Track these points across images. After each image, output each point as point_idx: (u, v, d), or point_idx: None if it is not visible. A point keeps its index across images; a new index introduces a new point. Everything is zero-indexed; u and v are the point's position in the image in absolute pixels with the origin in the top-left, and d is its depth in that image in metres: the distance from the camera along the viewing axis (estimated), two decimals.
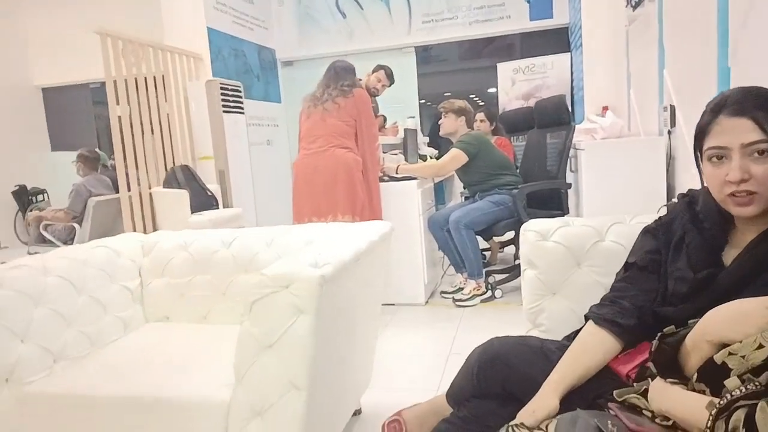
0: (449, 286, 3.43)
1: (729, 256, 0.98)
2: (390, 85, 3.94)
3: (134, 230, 3.69)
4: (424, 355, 2.48)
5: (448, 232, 3.23)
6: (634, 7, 3.58)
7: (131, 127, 3.79)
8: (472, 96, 10.92)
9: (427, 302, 3.27)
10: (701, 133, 0.97)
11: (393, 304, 3.21)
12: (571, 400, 1.00)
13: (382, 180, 3.17)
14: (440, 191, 4.45)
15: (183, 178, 3.82)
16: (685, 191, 1.13)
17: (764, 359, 0.70)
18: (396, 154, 3.86)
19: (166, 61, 4.25)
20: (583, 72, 4.61)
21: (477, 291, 3.19)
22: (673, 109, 2.86)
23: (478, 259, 3.23)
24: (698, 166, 1.00)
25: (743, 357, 0.73)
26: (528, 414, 0.97)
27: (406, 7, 6.03)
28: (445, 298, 3.31)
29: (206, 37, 4.79)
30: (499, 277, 3.38)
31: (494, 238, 3.85)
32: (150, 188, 3.90)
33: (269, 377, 1.20)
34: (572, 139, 3.21)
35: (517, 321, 1.51)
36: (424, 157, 4.43)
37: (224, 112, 4.39)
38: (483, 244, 4.07)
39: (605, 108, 3.97)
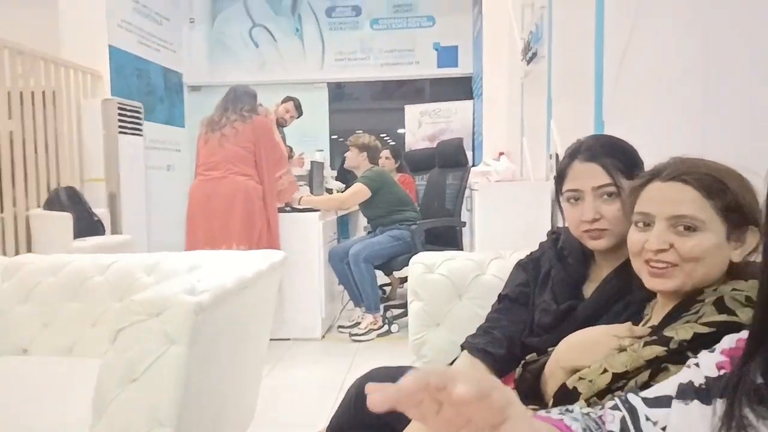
0: (347, 320, 3.42)
1: (588, 289, 1.04)
2: (298, 117, 3.93)
3: (4, 254, 3.34)
4: (315, 390, 2.42)
5: (348, 265, 3.22)
6: (528, 62, 3.88)
7: (11, 143, 3.48)
8: (382, 135, 11.18)
9: (323, 336, 3.24)
10: (560, 177, 1.04)
11: (288, 339, 3.13)
12: None
13: (283, 210, 3.12)
14: (344, 225, 4.45)
15: (67, 200, 3.53)
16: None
17: (608, 383, 0.75)
18: (301, 186, 3.83)
19: (59, 76, 3.98)
20: (483, 119, 4.88)
21: (374, 325, 3.19)
22: (557, 157, 3.09)
23: (375, 293, 3.24)
24: (560, 205, 1.07)
25: (590, 381, 0.76)
26: None
27: (319, 44, 6.12)
28: (342, 332, 3.29)
29: (107, 54, 4.56)
30: (396, 311, 3.41)
31: (394, 273, 3.89)
32: (27, 210, 3.57)
33: (132, 413, 1.10)
34: (468, 180, 3.35)
35: (410, 354, 1.52)
36: (330, 191, 4.44)
37: (120, 133, 4.15)
38: (384, 279, 4.10)
39: (501, 153, 4.19)
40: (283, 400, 2.30)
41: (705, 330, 0.68)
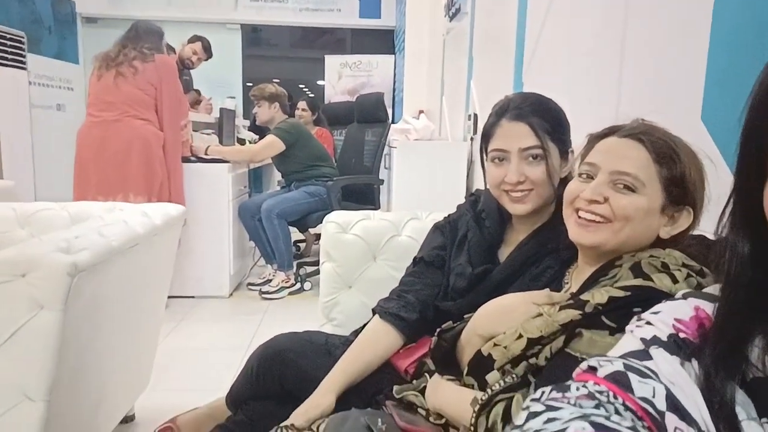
0: (258, 277, 3.31)
1: (503, 253, 1.04)
2: (207, 59, 3.65)
3: None
4: (220, 352, 2.31)
5: (260, 220, 3.10)
6: (451, 18, 3.80)
7: None
8: (301, 85, 10.81)
9: (231, 295, 3.11)
10: (486, 135, 1.00)
11: (193, 297, 2.98)
12: (349, 398, 0.96)
13: (188, 160, 2.90)
14: (257, 178, 4.28)
15: None
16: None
17: (523, 348, 0.72)
18: (209, 134, 3.58)
19: None
20: (405, 74, 4.80)
21: (285, 283, 3.11)
22: (476, 117, 3.08)
23: (288, 251, 3.15)
24: (483, 165, 1.04)
25: (505, 347, 0.74)
26: (300, 414, 0.91)
27: None
28: (252, 290, 3.18)
29: None
30: (309, 269, 3.33)
31: (309, 229, 3.80)
32: None
33: None
34: (387, 137, 3.29)
35: (320, 316, 1.46)
36: (242, 142, 4.22)
37: None
38: (298, 235, 4.00)
39: (421, 111, 4.16)
40: (183, 362, 2.17)
41: (620, 294, 0.67)
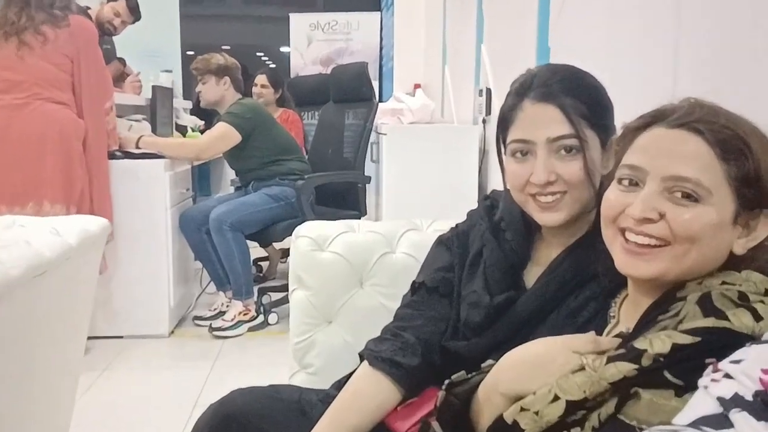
0: (208, 308, 3.30)
1: (531, 275, 1.02)
2: (133, 22, 3.63)
3: None
4: (159, 409, 2.29)
5: (208, 234, 3.08)
6: None
7: None
8: (259, 54, 10.81)
9: (172, 333, 3.08)
10: (504, 122, 0.99)
11: (121, 337, 2.95)
12: None
13: (113, 156, 2.88)
14: (203, 177, 4.25)
15: None
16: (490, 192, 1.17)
17: (561, 415, 0.70)
18: (139, 121, 3.55)
19: None
20: (395, 39, 4.81)
21: (244, 316, 3.09)
22: (489, 93, 3.09)
23: (246, 272, 3.13)
24: (501, 160, 1.03)
25: (537, 413, 0.72)
26: None
27: None
28: (200, 325, 3.17)
29: None
30: (276, 296, 3.32)
31: (274, 244, 3.79)
32: None
33: None
34: (374, 121, 3.29)
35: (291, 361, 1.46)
36: (183, 130, 4.20)
37: None
38: (260, 251, 3.99)
39: (417, 86, 4.17)
40: (110, 423, 2.15)
41: (687, 340, 0.65)
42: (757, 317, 0.64)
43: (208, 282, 3.43)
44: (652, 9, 1.58)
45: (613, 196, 0.78)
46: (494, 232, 1.05)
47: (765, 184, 0.72)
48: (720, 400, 0.49)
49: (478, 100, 3.22)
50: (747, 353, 0.52)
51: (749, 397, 0.48)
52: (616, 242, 0.77)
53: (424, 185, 3.06)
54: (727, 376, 0.51)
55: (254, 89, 4.14)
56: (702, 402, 0.51)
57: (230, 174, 4.01)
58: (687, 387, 0.63)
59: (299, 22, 5.88)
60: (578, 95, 0.94)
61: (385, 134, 3.26)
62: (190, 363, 2.73)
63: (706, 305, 0.68)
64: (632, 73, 1.64)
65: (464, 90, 3.72)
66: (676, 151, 0.73)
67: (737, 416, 0.47)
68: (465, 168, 3.09)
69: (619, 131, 0.83)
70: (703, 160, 0.72)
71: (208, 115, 4.55)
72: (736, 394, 0.48)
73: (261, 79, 4.22)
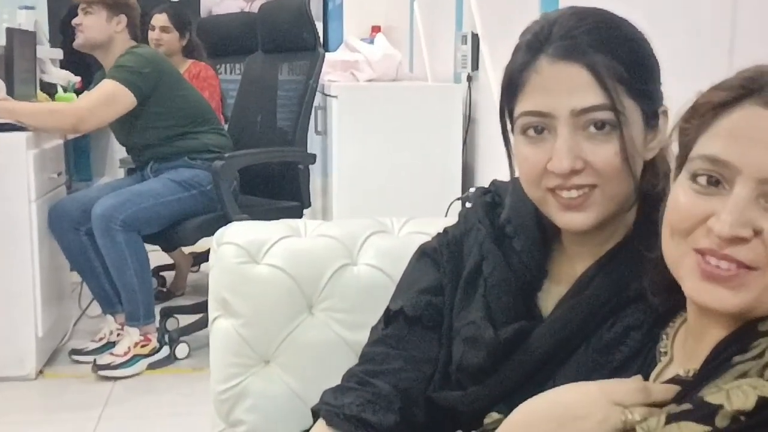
0: (90, 339, 3.26)
1: (549, 299, 1.03)
2: None
3: None
4: None
5: (90, 235, 3.01)
6: None
7: None
8: None
9: (40, 374, 3.03)
10: (512, 86, 0.98)
11: None
12: None
13: None
14: (82, 157, 4.18)
15: None
16: (488, 180, 1.19)
17: None
18: None
19: None
20: None
21: (142, 348, 3.06)
22: (476, 39, 3.08)
23: (145, 288, 3.10)
24: (506, 140, 1.03)
25: None
26: None
27: None
28: (80, 362, 3.12)
29: None
30: (186, 319, 3.28)
31: (182, 248, 3.75)
32: None
33: None
34: (319, 78, 3.26)
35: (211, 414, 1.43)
36: (52, 89, 4.11)
37: None
38: (162, 257, 3.96)
39: (376, 29, 4.16)
40: None
41: None
42: None
43: (90, 301, 3.41)
44: None
45: (685, 199, 0.77)
46: (498, 240, 1.06)
47: None
48: None
49: (461, 50, 3.21)
50: None
51: None
52: (687, 263, 0.76)
53: (388, 167, 3.04)
54: None
55: (151, 34, 4.12)
56: None
57: (120, 152, 3.95)
58: None
59: None
60: (614, 51, 0.93)
61: (334, 96, 3.24)
62: (67, 416, 2.69)
63: None
64: (677, 22, 1.65)
65: (441, 36, 3.71)
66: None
67: None
68: (444, 143, 3.08)
69: (687, 103, 0.81)
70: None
71: (86, 69, 4.47)
72: None
73: (160, 19, 4.20)
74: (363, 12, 4.55)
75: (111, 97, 3.12)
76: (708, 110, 0.77)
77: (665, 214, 0.79)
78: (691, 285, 0.76)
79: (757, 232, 0.71)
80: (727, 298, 0.73)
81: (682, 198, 0.77)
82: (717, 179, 0.74)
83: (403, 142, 3.09)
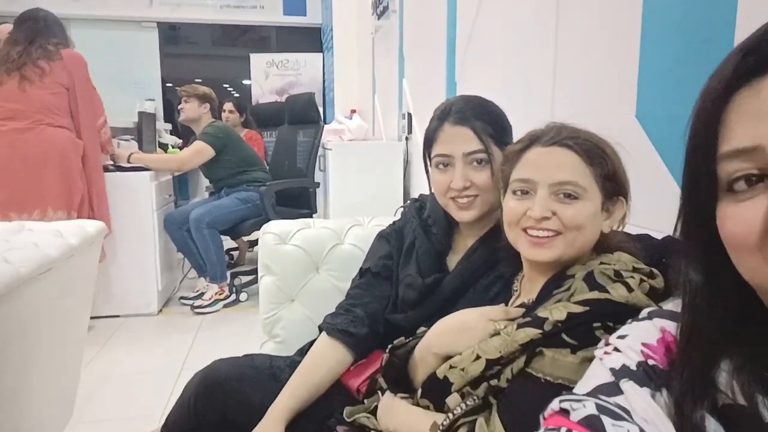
0: (190, 291, 3.16)
1: (452, 260, 1.01)
2: None
3: None
4: (150, 375, 2.17)
5: (188, 231, 2.96)
6: (379, 16, 3.79)
7: None
8: (225, 85, 10.46)
9: (160, 311, 2.94)
10: (429, 140, 0.98)
11: (118, 316, 2.79)
12: (299, 425, 0.91)
13: (106, 170, 2.71)
14: (183, 185, 4.09)
15: None
16: (417, 195, 1.15)
17: (482, 370, 0.70)
18: (128, 141, 3.38)
19: None
20: (334, 74, 4.74)
21: (219, 295, 2.97)
22: (410, 116, 3.09)
23: (221, 261, 3.02)
24: (427, 171, 1.01)
25: (463, 370, 0.71)
26: None
27: None
28: (184, 305, 3.02)
29: None
30: (245, 278, 3.22)
31: (243, 237, 3.68)
32: None
33: None
34: (321, 138, 3.23)
35: (260, 332, 1.39)
36: (164, 147, 4.02)
37: None
38: (231, 243, 3.86)
39: (353, 111, 4.13)
40: (110, 389, 2.03)
41: (579, 309, 0.66)
42: (630, 289, 0.65)
43: (189, 269, 3.31)
44: (534, 53, 1.60)
45: (512, 204, 0.76)
46: (424, 228, 1.04)
47: (620, 178, 0.75)
48: (612, 370, 0.48)
49: (401, 122, 3.20)
50: (630, 329, 0.52)
51: (634, 367, 0.48)
52: (521, 239, 0.76)
53: (361, 188, 3.03)
54: (616, 349, 0.50)
55: (223, 114, 4.01)
56: (597, 372, 0.50)
57: (205, 182, 3.87)
58: (580, 346, 0.64)
59: (258, 60, 5.72)
60: (486, 119, 0.94)
61: (330, 149, 3.21)
62: (177, 336, 2.59)
63: (591, 281, 0.68)
64: (520, 103, 1.66)
65: (390, 114, 3.70)
66: (556, 162, 0.74)
67: (626, 385, 0.46)
68: (393, 174, 3.08)
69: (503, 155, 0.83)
70: (576, 167, 0.73)
71: (185, 135, 4.39)
72: (623, 365, 0.48)
73: (228, 105, 4.09)
74: (345, 101, 4.51)
75: (200, 150, 3.04)
76: (513, 155, 0.79)
77: (503, 216, 0.79)
78: (525, 249, 0.76)
79: (554, 213, 0.72)
80: (546, 254, 0.74)
81: (511, 204, 0.77)
82: (527, 190, 0.75)
83: (370, 175, 3.08)
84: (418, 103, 2.98)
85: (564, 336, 0.65)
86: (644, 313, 0.54)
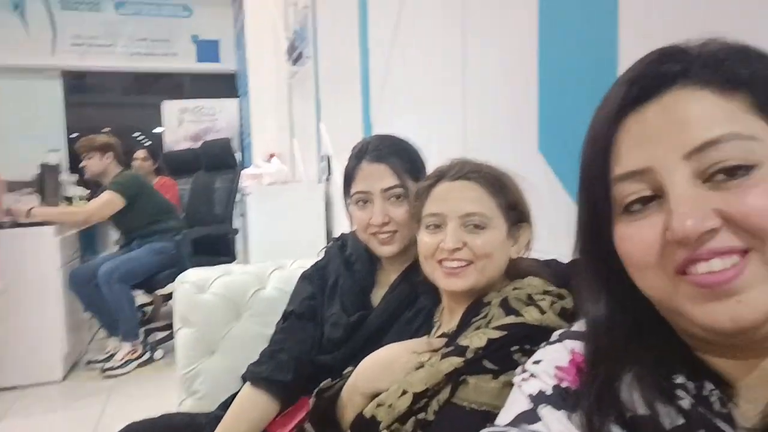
0: (99, 353, 2.93)
1: (377, 295, 1.01)
2: None
3: None
4: None
5: (97, 287, 2.75)
6: (294, 62, 3.84)
7: None
8: (136, 134, 10.11)
9: (66, 378, 2.70)
10: (348, 179, 0.99)
11: (15, 387, 2.53)
12: None
13: (1, 226, 2.50)
14: (90, 239, 3.85)
15: None
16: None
17: (409, 405, 0.69)
18: (29, 194, 3.15)
19: None
20: (251, 118, 4.71)
21: (132, 355, 2.77)
22: (329, 158, 3.11)
23: (133, 317, 2.83)
24: (347, 209, 1.02)
25: (390, 406, 0.70)
26: None
27: (48, 23, 5.18)
28: (93, 368, 2.80)
29: None
30: (160, 334, 3.06)
31: (157, 291, 3.48)
32: None
33: None
34: (238, 183, 3.17)
35: (179, 389, 1.31)
36: (69, 200, 3.77)
37: None
38: (144, 298, 3.64)
39: (272, 155, 4.10)
40: None
41: (497, 334, 0.67)
42: (542, 311, 0.68)
43: (98, 328, 3.08)
44: (444, 95, 1.67)
45: (426, 238, 0.78)
46: (346, 265, 1.04)
47: (520, 206, 0.79)
48: (530, 397, 0.49)
49: (320, 164, 3.22)
50: (544, 354, 0.53)
51: (550, 392, 0.49)
52: (437, 271, 0.77)
53: (283, 231, 2.97)
54: (533, 376, 0.51)
55: (134, 162, 3.84)
56: (517, 399, 0.50)
57: (113, 235, 3.66)
58: (501, 370, 0.65)
59: (171, 107, 5.58)
60: (401, 156, 0.96)
61: (249, 194, 3.15)
62: (85, 402, 2.40)
63: (505, 306, 0.71)
64: (434, 141, 1.72)
65: (309, 156, 3.70)
66: (462, 196, 0.77)
67: (543, 410, 0.47)
68: (315, 216, 3.05)
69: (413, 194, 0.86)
70: (481, 199, 0.77)
71: (93, 185, 4.16)
72: (540, 391, 0.49)
73: (141, 153, 3.92)
74: (264, 145, 4.47)
75: (109, 201, 2.86)
76: (423, 191, 0.81)
77: (419, 250, 0.80)
78: (441, 281, 0.78)
79: (465, 243, 0.75)
80: (461, 283, 0.76)
81: (425, 238, 0.79)
82: (438, 224, 0.77)
83: (291, 218, 3.03)
84: (337, 146, 3.01)
85: (485, 362, 0.66)
86: (555, 335, 0.55)
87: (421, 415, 0.69)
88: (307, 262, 1.20)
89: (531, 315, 0.68)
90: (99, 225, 3.91)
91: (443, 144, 1.68)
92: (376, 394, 0.75)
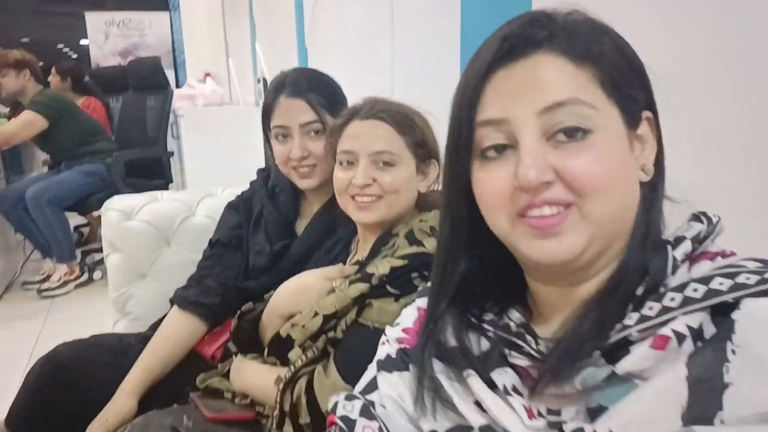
0: (35, 274, 2.88)
1: (300, 226, 1.04)
2: None
3: None
4: None
5: (26, 210, 2.66)
6: None
7: None
8: (60, 46, 9.35)
9: (0, 298, 2.67)
10: (267, 112, 0.99)
11: None
12: (154, 397, 0.92)
13: None
14: (15, 159, 3.65)
15: None
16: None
17: (320, 325, 0.76)
18: None
19: None
20: (183, 35, 4.46)
21: (69, 276, 2.75)
22: (265, 81, 3.03)
23: (68, 239, 2.77)
24: (268, 142, 1.03)
25: (303, 327, 0.77)
26: (99, 424, 0.85)
27: None
28: (29, 289, 2.77)
29: None
30: (98, 256, 2.99)
31: (93, 213, 3.39)
32: None
33: None
34: (171, 104, 3.05)
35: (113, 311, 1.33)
36: None
37: None
38: (81, 219, 3.54)
39: (207, 74, 3.94)
40: None
41: (399, 263, 0.74)
42: None
43: (32, 251, 2.99)
44: (374, 25, 1.66)
45: (340, 174, 0.81)
46: (271, 196, 1.06)
47: (429, 143, 0.83)
48: (378, 363, 0.56)
49: (257, 87, 3.14)
50: (402, 317, 0.59)
51: (394, 356, 0.55)
52: (350, 205, 0.81)
53: (219, 156, 2.92)
54: (387, 341, 0.57)
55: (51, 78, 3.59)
56: (371, 366, 0.57)
57: (41, 155, 3.48)
58: (401, 294, 0.73)
59: (95, 20, 5.15)
60: (320, 91, 0.96)
61: (183, 116, 3.05)
62: (21, 322, 2.38)
63: (410, 237, 0.77)
64: (361, 73, 1.72)
65: (246, 78, 3.59)
66: (372, 134, 0.80)
67: (380, 377, 0.54)
68: (252, 140, 2.99)
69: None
70: (390, 137, 0.80)
71: (13, 102, 3.88)
72: (387, 355, 0.56)
73: (52, 70, 3.66)
74: (198, 64, 4.27)
75: (29, 122, 2.71)
76: (337, 129, 0.84)
77: (334, 185, 0.83)
78: (353, 214, 0.82)
79: (375, 180, 0.78)
80: (371, 216, 0.80)
81: (339, 174, 0.82)
82: (351, 161, 0.80)
83: (228, 142, 2.98)
84: (273, 68, 2.93)
85: (388, 287, 0.73)
86: (415, 295, 0.62)
87: (330, 334, 0.76)
88: (239, 190, 1.22)
89: (430, 245, 0.74)
90: (23, 145, 3.70)
91: (370, 77, 1.69)
92: (293, 316, 0.81)
